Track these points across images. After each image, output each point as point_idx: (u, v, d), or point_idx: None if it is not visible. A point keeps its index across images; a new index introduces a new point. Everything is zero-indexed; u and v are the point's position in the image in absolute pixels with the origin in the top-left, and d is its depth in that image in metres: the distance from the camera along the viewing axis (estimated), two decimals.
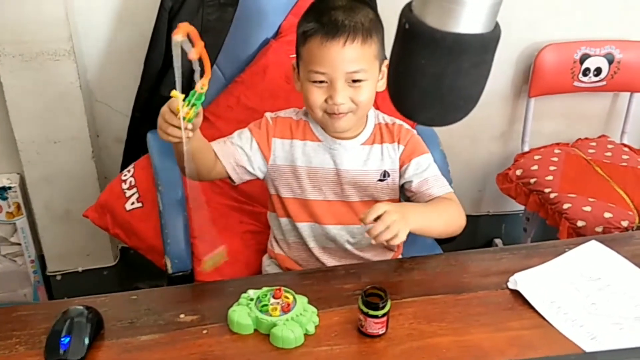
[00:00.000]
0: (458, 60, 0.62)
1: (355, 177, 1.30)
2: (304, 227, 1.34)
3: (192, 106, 1.02)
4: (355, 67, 1.19)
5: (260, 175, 1.32)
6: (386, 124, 1.33)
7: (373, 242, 1.12)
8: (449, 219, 1.27)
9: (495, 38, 0.63)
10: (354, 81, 1.20)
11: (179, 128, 1.04)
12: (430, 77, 0.63)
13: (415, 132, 1.35)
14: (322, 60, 1.19)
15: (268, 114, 1.33)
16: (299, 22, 1.25)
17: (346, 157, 1.30)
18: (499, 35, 0.63)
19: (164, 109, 1.06)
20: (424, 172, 1.30)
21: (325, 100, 1.22)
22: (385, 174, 1.31)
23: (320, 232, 1.34)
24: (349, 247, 1.34)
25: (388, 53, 0.78)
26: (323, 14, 1.20)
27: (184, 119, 1.02)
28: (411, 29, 0.62)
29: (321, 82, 1.21)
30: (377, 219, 1.11)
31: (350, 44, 1.17)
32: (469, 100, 0.67)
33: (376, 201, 1.31)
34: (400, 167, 1.31)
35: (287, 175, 1.31)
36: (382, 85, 1.28)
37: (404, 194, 1.35)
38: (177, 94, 1.00)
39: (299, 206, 1.33)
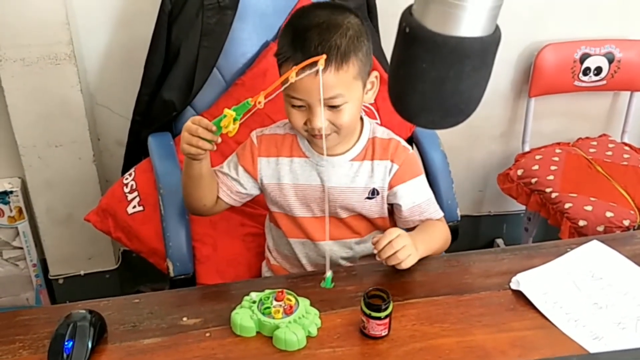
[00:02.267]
0: (459, 64, 0.62)
1: (341, 194, 1.28)
2: (296, 244, 1.34)
3: (234, 120, 1.09)
4: (331, 94, 1.14)
5: (257, 193, 1.34)
6: (382, 139, 1.28)
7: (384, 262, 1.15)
8: (443, 243, 1.28)
9: (496, 41, 0.63)
10: (332, 106, 1.16)
11: (210, 142, 1.13)
12: (432, 81, 0.63)
13: (411, 150, 1.31)
14: (296, 87, 1.13)
15: (254, 133, 1.31)
16: (279, 36, 1.20)
17: (333, 174, 1.27)
18: (500, 38, 0.63)
19: (192, 126, 1.13)
20: (417, 196, 1.28)
21: (305, 123, 1.19)
22: (374, 192, 1.28)
23: (313, 248, 1.33)
24: (342, 262, 1.34)
25: (388, 56, 0.78)
26: (297, 36, 1.14)
27: (219, 130, 1.11)
28: (412, 32, 0.62)
29: (300, 106, 1.18)
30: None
31: (323, 72, 1.09)
32: (470, 103, 0.66)
33: (364, 217, 1.31)
34: (391, 186, 1.27)
35: (275, 193, 1.30)
36: (371, 97, 1.24)
37: (392, 213, 1.33)
38: (229, 112, 1.08)
39: (289, 222, 1.33)
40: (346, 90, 1.15)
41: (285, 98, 1.19)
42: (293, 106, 1.18)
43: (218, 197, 1.31)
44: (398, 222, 1.33)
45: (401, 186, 1.27)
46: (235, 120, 1.09)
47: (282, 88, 1.06)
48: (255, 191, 1.33)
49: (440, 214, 1.32)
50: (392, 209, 1.32)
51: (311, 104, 1.16)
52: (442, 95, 0.64)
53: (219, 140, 1.14)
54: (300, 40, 1.14)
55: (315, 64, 1.05)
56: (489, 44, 0.62)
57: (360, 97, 1.20)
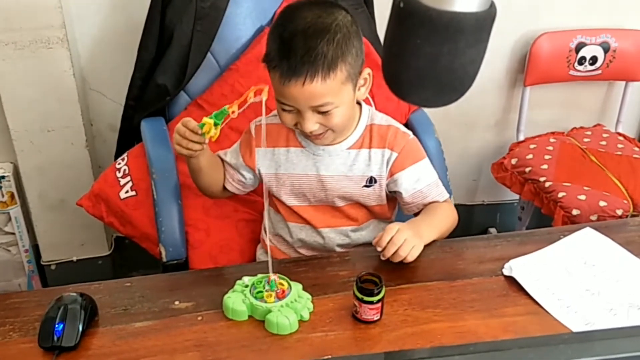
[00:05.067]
0: (454, 40, 0.61)
1: (338, 182, 1.28)
2: (295, 228, 1.34)
3: (216, 125, 1.15)
4: (319, 102, 1.14)
5: (258, 183, 1.36)
6: (379, 126, 1.27)
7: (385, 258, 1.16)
8: (450, 224, 1.28)
9: (491, 17, 0.62)
10: (322, 111, 1.16)
11: (199, 143, 1.18)
12: (426, 57, 0.62)
13: (411, 135, 1.30)
14: (284, 95, 1.14)
15: (252, 123, 1.31)
16: (267, 36, 1.19)
17: (330, 163, 1.27)
18: (495, 14, 0.62)
19: (181, 128, 1.18)
20: (418, 182, 1.27)
21: (296, 125, 1.19)
22: (371, 180, 1.27)
23: (311, 233, 1.34)
24: (338, 249, 1.34)
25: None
26: (283, 43, 1.12)
27: (204, 135, 1.17)
28: (406, 7, 0.61)
29: (290, 110, 1.18)
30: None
31: (309, 82, 1.10)
32: (465, 81, 0.66)
33: (362, 205, 1.31)
34: (392, 174, 1.27)
35: (272, 183, 1.31)
36: (364, 93, 1.23)
37: (393, 199, 1.34)
38: (208, 121, 1.14)
39: (287, 209, 1.33)
40: (335, 96, 1.15)
41: (276, 101, 1.19)
42: (283, 109, 1.19)
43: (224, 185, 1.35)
44: (402, 208, 1.33)
45: (401, 173, 1.26)
46: (216, 125, 1.14)
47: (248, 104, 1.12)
48: (255, 181, 1.34)
49: (445, 195, 1.30)
50: (395, 195, 1.31)
51: (300, 109, 1.16)
52: (437, 71, 0.64)
53: (207, 141, 1.19)
54: (285, 48, 1.12)
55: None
56: (484, 19, 0.62)
57: (351, 98, 1.19)
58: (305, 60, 1.10)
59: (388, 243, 1.13)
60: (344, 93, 1.16)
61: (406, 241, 1.13)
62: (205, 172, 1.30)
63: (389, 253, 1.13)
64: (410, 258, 1.14)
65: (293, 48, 1.11)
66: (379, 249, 1.15)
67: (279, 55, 1.13)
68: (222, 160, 1.35)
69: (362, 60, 1.19)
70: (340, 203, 1.31)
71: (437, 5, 0.60)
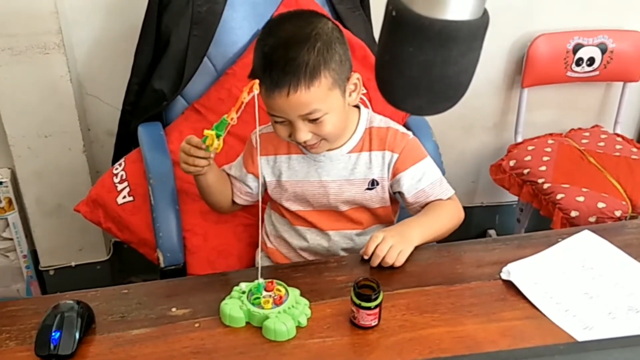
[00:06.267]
0: (446, 48, 0.61)
1: (341, 187, 1.28)
2: (301, 230, 1.34)
3: (218, 137, 1.14)
4: (306, 110, 1.14)
5: (264, 190, 1.35)
6: (379, 129, 1.28)
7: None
8: (451, 222, 1.27)
9: (484, 25, 0.62)
10: (312, 119, 1.16)
11: (204, 158, 1.19)
12: (419, 66, 0.62)
13: (411, 135, 1.30)
14: (272, 107, 1.16)
15: (253, 134, 1.31)
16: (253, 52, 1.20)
17: (332, 168, 1.28)
18: (488, 22, 0.62)
19: (186, 146, 1.19)
20: (420, 181, 1.27)
21: (290, 136, 1.20)
22: (373, 183, 1.28)
23: (316, 236, 1.34)
24: (342, 253, 1.34)
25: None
26: (265, 57, 1.14)
27: (208, 149, 1.17)
28: (398, 16, 0.61)
29: (282, 121, 1.18)
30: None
31: (294, 93, 1.12)
32: (458, 89, 0.66)
33: (366, 208, 1.32)
34: (394, 175, 1.27)
35: (276, 191, 1.32)
36: (355, 98, 1.22)
37: (397, 201, 1.35)
38: (210, 133, 1.14)
39: (291, 213, 1.34)
40: (322, 103, 1.15)
41: (268, 114, 1.19)
42: (275, 122, 1.19)
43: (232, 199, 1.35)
44: (407, 209, 1.33)
45: (403, 173, 1.27)
46: (218, 136, 1.13)
47: (244, 103, 1.08)
48: (260, 191, 1.33)
49: (449, 193, 1.30)
50: (398, 196, 1.32)
51: (291, 120, 1.17)
52: (430, 80, 0.63)
53: (212, 155, 1.19)
54: (268, 62, 1.13)
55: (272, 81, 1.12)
56: (477, 28, 0.61)
57: (341, 104, 1.19)
58: (287, 70, 1.11)
59: (373, 253, 1.15)
60: (331, 99, 1.17)
61: (392, 248, 1.15)
62: (213, 188, 1.31)
63: (374, 263, 1.15)
64: (398, 264, 1.16)
65: (275, 61, 1.12)
66: (366, 258, 1.17)
67: (262, 69, 1.14)
68: (228, 175, 1.35)
69: (350, 65, 1.20)
70: (343, 207, 1.31)
71: (430, 14, 0.60)
